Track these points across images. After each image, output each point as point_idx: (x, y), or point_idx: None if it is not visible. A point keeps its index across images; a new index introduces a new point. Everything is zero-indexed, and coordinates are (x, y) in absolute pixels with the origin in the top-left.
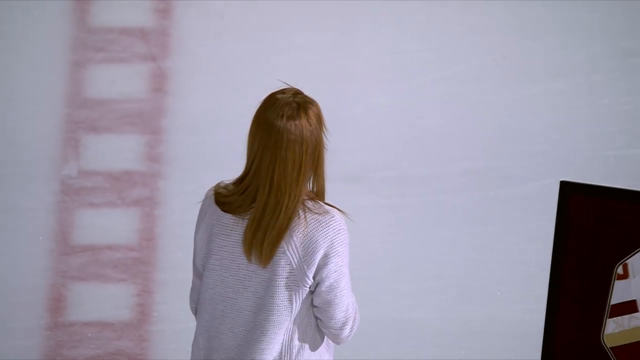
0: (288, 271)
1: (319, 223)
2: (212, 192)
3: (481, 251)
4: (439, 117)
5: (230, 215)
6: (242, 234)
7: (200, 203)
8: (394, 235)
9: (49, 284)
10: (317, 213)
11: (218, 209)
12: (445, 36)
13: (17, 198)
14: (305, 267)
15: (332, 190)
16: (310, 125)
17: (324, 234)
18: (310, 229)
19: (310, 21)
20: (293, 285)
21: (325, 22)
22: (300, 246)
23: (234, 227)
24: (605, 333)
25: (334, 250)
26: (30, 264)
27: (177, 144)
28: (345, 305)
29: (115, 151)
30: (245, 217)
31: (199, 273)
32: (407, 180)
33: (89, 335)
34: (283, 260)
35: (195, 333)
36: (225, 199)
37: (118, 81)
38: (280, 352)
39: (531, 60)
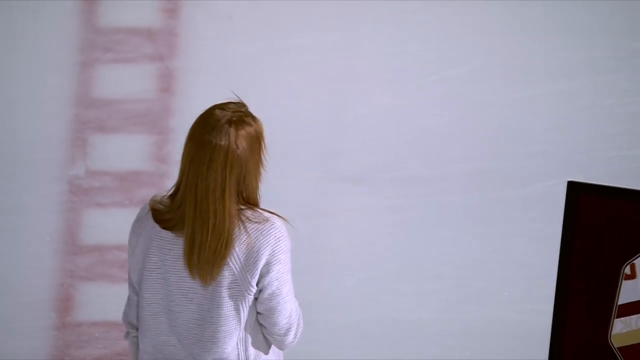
0: (231, 281)
1: (259, 232)
2: (148, 207)
3: (484, 252)
4: (442, 118)
5: (169, 231)
6: (181, 249)
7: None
8: (396, 236)
9: (57, 284)
10: (256, 222)
11: (157, 225)
12: (447, 37)
13: (24, 198)
14: (248, 277)
15: (335, 190)
16: (237, 147)
17: (265, 242)
18: (252, 239)
19: (314, 22)
20: (238, 294)
21: (329, 22)
22: (242, 256)
23: (174, 242)
24: (612, 333)
25: (275, 258)
26: (38, 264)
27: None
28: (289, 311)
29: (123, 151)
30: (183, 234)
31: (135, 289)
32: (409, 181)
33: (97, 335)
34: (226, 272)
35: (140, 350)
36: (163, 215)
37: (125, 81)
38: None
39: (533, 60)
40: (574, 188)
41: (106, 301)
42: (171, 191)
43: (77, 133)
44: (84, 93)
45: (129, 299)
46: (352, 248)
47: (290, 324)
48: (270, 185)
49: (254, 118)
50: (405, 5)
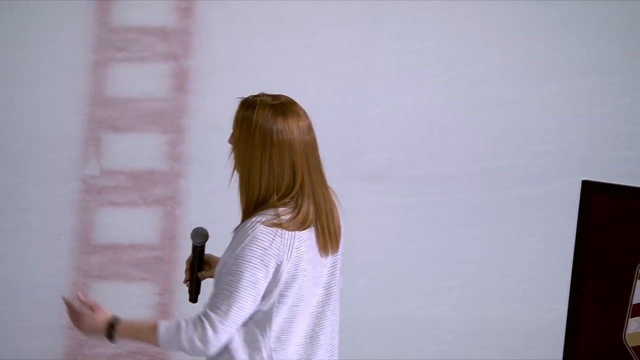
0: (343, 243)
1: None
2: (275, 228)
3: (500, 250)
4: (461, 116)
5: (306, 230)
6: (314, 237)
7: (267, 246)
8: (412, 234)
9: (71, 283)
10: None
11: (297, 233)
12: (467, 34)
13: (39, 197)
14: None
15: (351, 188)
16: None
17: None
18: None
19: (332, 20)
20: (341, 256)
21: (348, 20)
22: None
23: (309, 235)
24: (627, 332)
25: None
26: (52, 263)
27: (198, 143)
28: None
29: (137, 150)
30: (313, 223)
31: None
32: (426, 179)
33: None
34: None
35: None
36: (297, 219)
37: (139, 80)
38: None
39: (552, 58)
40: (588, 187)
41: (120, 300)
42: (286, 200)
43: (91, 132)
44: (97, 92)
45: (239, 314)
46: (368, 245)
47: None
48: None
49: None
50: (426, 4)
